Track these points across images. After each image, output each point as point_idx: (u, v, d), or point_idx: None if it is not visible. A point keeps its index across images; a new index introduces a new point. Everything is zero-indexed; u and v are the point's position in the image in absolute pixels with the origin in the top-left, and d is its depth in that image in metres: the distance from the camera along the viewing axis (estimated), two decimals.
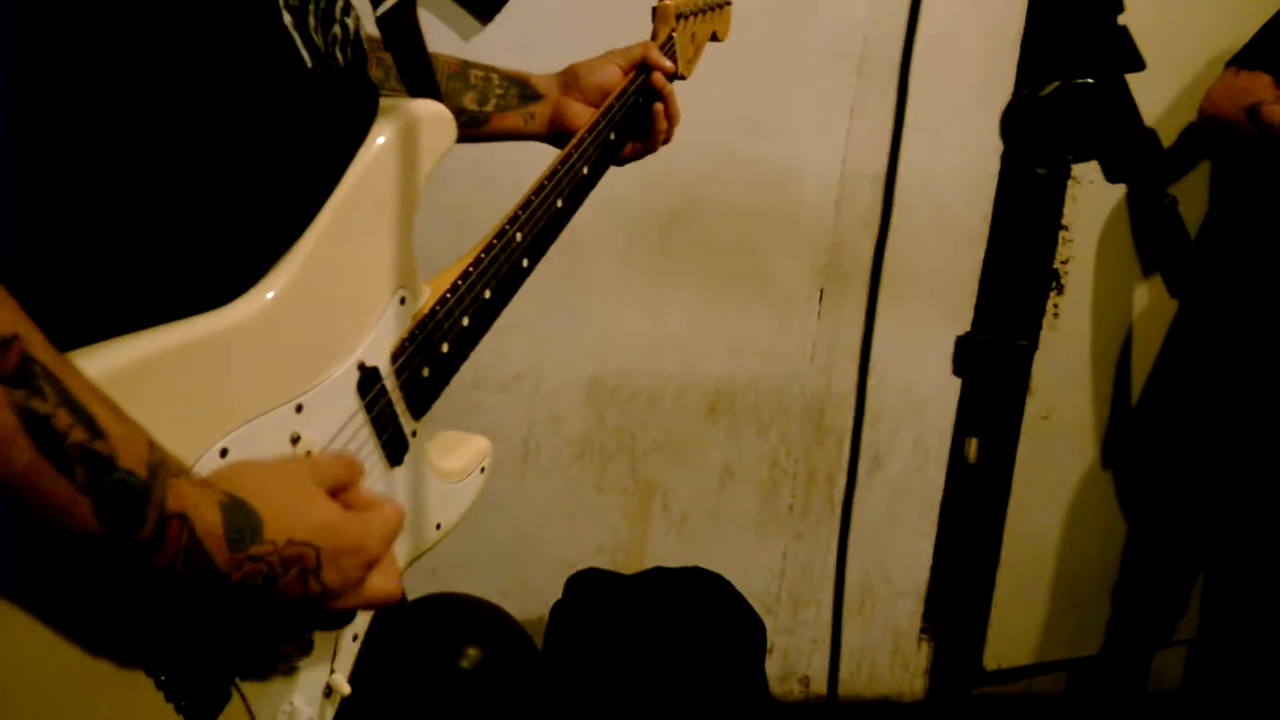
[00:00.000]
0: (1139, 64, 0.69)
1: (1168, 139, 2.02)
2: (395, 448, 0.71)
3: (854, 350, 2.10)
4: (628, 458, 2.03)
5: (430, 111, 0.74)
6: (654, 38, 1.10)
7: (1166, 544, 2.20)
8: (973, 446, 0.75)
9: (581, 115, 1.06)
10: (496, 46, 1.71)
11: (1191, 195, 2.08)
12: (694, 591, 1.75)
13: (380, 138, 0.69)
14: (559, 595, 1.82)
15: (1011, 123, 0.71)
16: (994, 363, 0.74)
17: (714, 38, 1.25)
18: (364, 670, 0.82)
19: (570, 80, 1.10)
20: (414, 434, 0.74)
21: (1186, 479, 2.16)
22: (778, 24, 1.89)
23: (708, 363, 2.04)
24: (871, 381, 2.11)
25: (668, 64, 1.08)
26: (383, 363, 0.69)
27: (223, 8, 0.57)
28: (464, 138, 1.07)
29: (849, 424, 2.13)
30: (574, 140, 0.98)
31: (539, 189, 0.91)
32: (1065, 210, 1.95)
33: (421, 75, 0.77)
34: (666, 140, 1.14)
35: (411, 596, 1.84)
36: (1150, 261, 2.03)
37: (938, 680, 2.29)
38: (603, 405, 2.00)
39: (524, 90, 1.10)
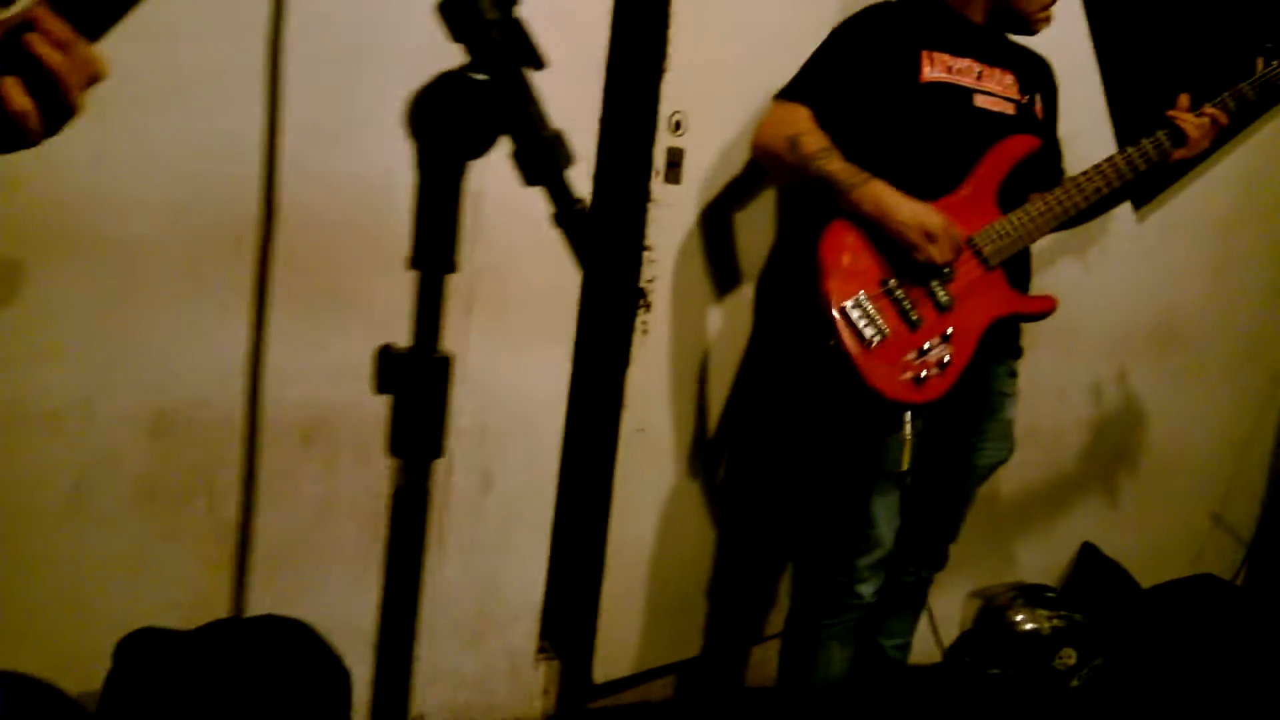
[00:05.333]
0: (538, 62, 0.68)
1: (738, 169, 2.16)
2: None
3: (466, 371, 2.05)
4: (205, 498, 1.84)
5: None
6: None
7: (752, 546, 2.36)
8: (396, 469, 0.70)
9: None
10: None
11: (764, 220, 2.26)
12: (265, 643, 1.60)
13: None
14: None
15: (415, 117, 0.67)
16: (417, 374, 0.69)
17: None
18: None
19: None
20: None
21: (766, 484, 2.34)
22: (356, 29, 1.81)
23: (300, 388, 1.90)
24: (477, 401, 2.07)
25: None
26: None
27: None
28: None
29: (459, 446, 2.07)
30: None
31: None
32: (648, 231, 2.02)
33: None
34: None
35: None
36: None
37: (563, 698, 2.29)
38: (172, 440, 1.79)
39: None
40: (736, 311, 2.24)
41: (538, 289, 2.07)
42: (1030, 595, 2.68)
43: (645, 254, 2.03)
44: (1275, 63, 2.03)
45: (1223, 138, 2.80)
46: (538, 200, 2.13)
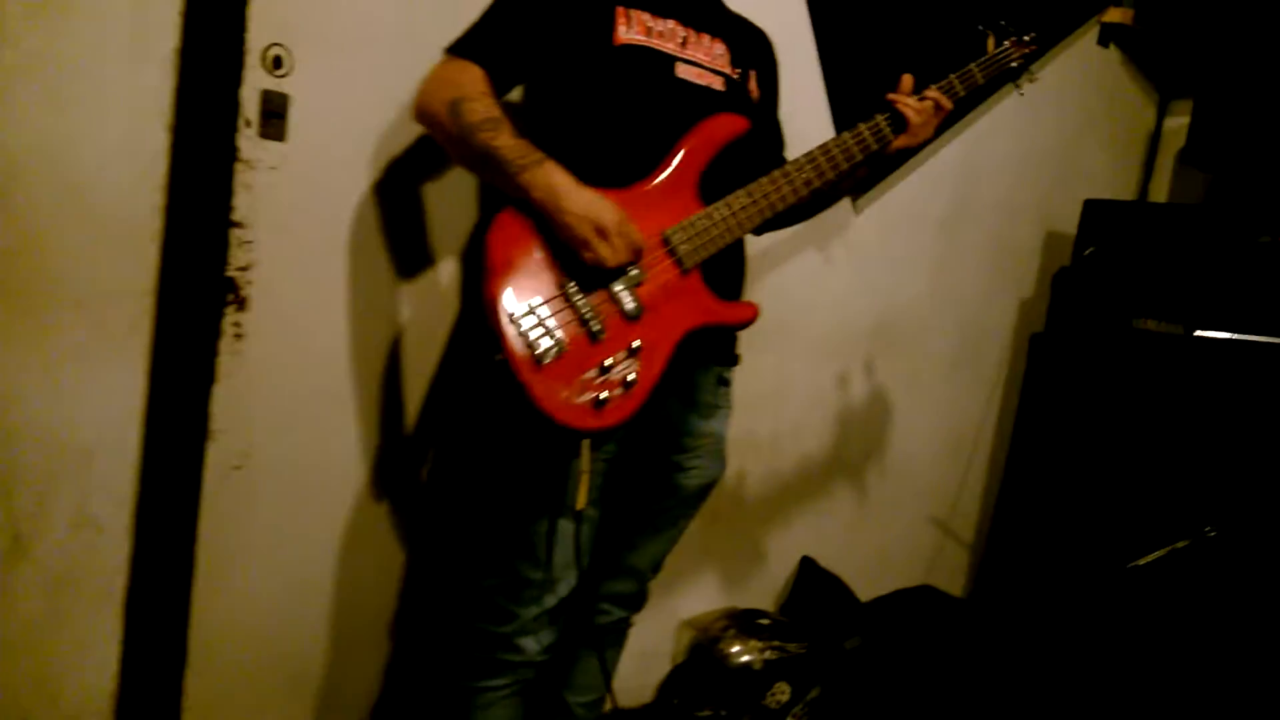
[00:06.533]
0: None
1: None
2: None
3: None
4: None
5: None
6: None
7: (428, 593, 1.93)
8: None
9: None
10: None
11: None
12: None
13: None
14: None
15: None
16: None
17: None
18: None
19: None
20: None
21: (441, 516, 1.92)
22: None
23: None
24: None
25: None
26: None
27: None
28: None
29: None
30: None
31: None
32: (238, 202, 1.51)
33: None
34: None
35: None
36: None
37: None
38: None
39: None
40: (383, 304, 1.76)
41: (87, 280, 1.51)
42: (743, 623, 2.41)
43: (235, 233, 1.52)
44: (1008, 43, 1.80)
45: (944, 125, 2.65)
46: (83, 157, 1.54)
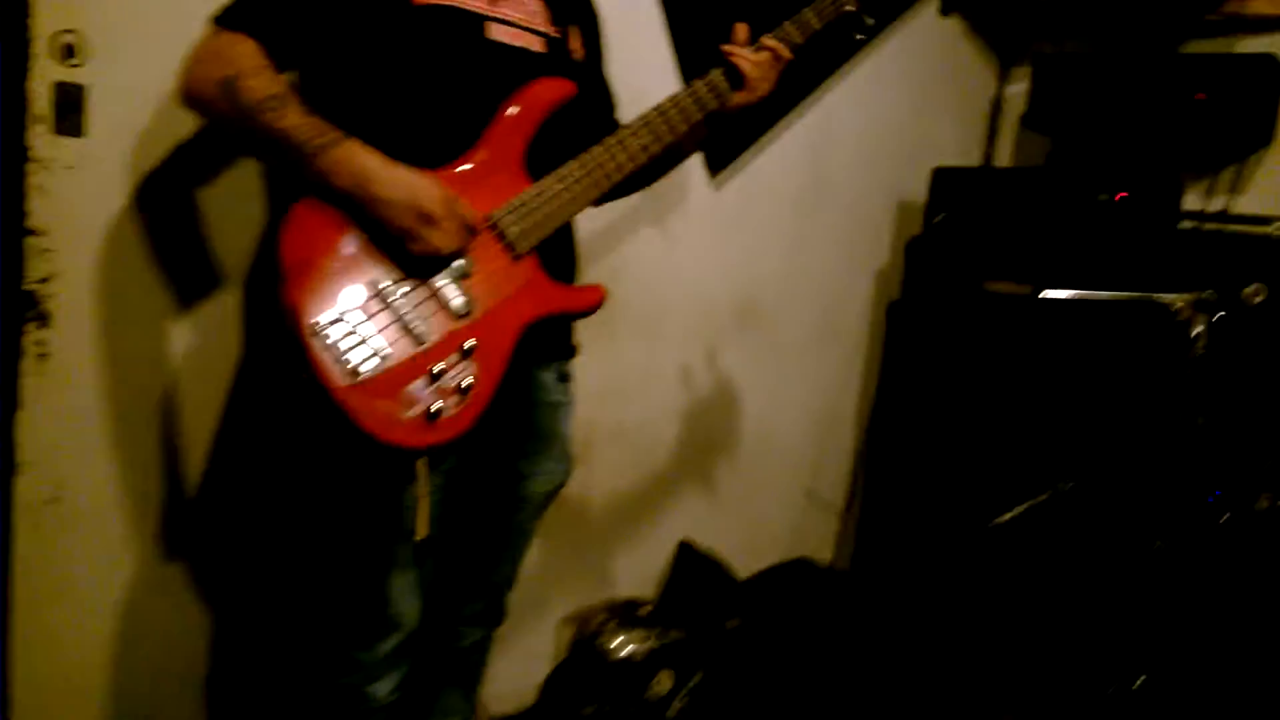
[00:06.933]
0: None
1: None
2: None
3: None
4: None
5: None
6: None
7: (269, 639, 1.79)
8: None
9: None
10: None
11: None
12: None
13: None
14: None
15: None
16: None
17: None
18: None
19: None
20: None
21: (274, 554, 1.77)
22: None
23: None
24: None
25: None
26: None
27: None
28: None
29: None
30: None
31: None
32: (34, 208, 1.36)
33: None
34: None
35: None
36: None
37: None
38: None
39: None
40: (199, 313, 1.62)
41: None
42: (623, 615, 2.37)
43: (32, 241, 1.36)
44: None
45: (796, 94, 2.64)
46: None
